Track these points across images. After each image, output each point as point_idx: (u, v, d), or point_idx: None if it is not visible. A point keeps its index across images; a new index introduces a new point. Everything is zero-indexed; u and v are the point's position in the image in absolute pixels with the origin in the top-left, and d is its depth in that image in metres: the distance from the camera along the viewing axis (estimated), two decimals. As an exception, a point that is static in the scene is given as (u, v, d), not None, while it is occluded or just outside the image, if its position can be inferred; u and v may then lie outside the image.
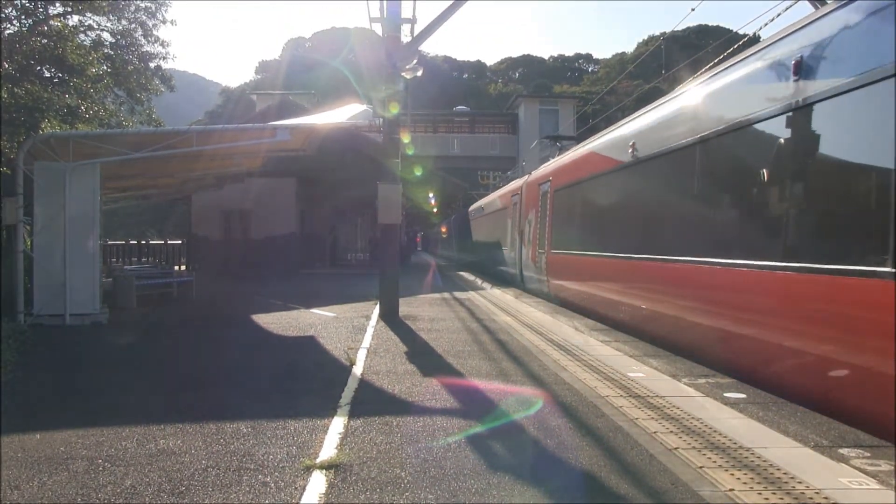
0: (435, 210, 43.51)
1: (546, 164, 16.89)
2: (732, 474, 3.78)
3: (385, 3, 11.39)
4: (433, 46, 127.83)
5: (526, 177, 18.78)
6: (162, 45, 23.34)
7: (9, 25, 19.60)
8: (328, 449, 4.40)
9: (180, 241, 32.87)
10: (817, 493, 3.49)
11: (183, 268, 26.44)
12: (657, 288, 8.68)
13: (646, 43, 72.69)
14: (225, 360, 8.14)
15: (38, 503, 3.60)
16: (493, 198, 26.43)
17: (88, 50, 20.56)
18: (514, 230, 19.36)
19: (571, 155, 14.01)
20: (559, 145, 19.81)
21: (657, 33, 66.28)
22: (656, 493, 3.61)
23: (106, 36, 22.61)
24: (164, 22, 23.19)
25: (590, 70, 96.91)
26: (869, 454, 4.08)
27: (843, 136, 5.32)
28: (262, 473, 3.98)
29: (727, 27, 64.76)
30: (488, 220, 26.09)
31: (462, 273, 27.20)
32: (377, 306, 12.25)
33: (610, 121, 15.41)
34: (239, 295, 17.17)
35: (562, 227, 13.91)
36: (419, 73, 11.66)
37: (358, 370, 7.08)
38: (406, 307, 12.80)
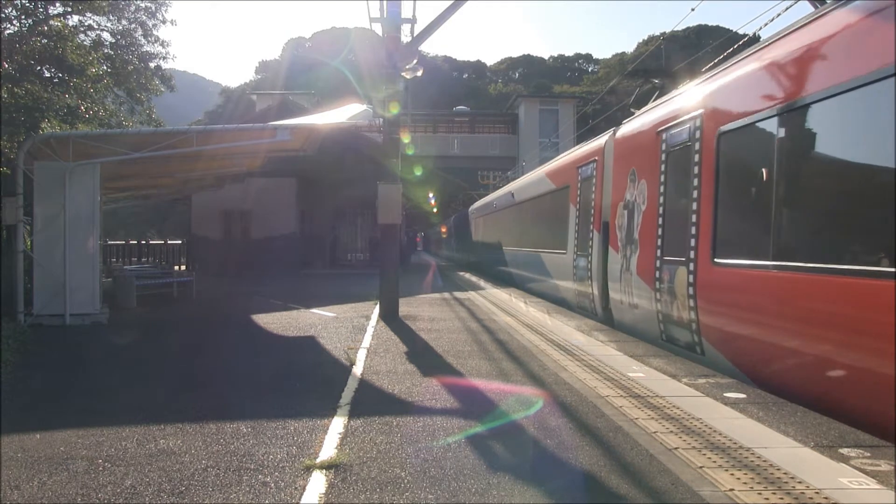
0: (435, 210, 43.56)
1: (668, 97, 9.15)
2: (732, 474, 3.78)
3: (385, 3, 11.40)
4: (433, 46, 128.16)
5: (608, 134, 11.53)
6: (162, 45, 23.40)
7: (9, 25, 19.62)
8: (328, 449, 4.40)
9: (180, 241, 32.86)
10: (817, 493, 3.49)
11: (183, 268, 26.43)
12: None
13: (646, 43, 72.70)
14: (225, 360, 8.14)
15: (38, 503, 3.60)
16: (532, 178, 18.78)
17: (88, 50, 20.58)
18: (584, 221, 12.47)
19: (792, 40, 6.03)
20: (655, 83, 12.27)
21: (657, 33, 66.34)
22: (656, 493, 3.61)
23: (106, 36, 22.66)
24: (164, 22, 23.26)
25: (590, 70, 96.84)
26: (869, 454, 4.08)
27: None
28: (262, 473, 3.98)
29: (727, 27, 64.88)
30: (516, 213, 19.82)
31: (462, 273, 27.20)
32: (377, 306, 12.25)
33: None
34: (239, 295, 17.16)
35: (760, 209, 6.36)
36: (419, 73, 11.67)
37: (358, 370, 7.08)
38: (406, 307, 12.81)
